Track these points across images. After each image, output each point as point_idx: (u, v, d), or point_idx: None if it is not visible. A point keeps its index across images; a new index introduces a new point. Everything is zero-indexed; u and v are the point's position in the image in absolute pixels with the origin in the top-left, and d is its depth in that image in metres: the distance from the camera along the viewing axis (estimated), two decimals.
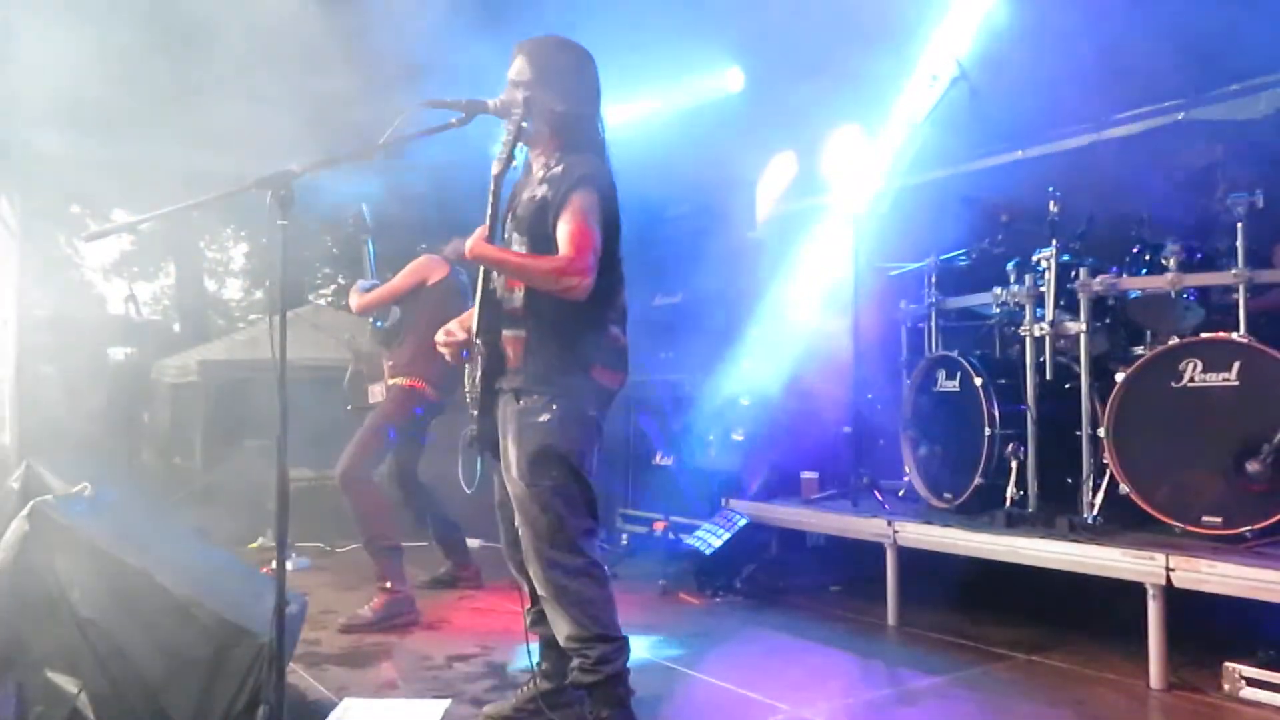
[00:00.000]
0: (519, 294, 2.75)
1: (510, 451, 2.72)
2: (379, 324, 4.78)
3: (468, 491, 2.96)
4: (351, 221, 4.83)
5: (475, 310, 2.80)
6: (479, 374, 2.79)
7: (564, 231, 2.65)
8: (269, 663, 2.44)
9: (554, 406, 2.69)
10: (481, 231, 2.64)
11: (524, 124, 2.63)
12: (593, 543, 2.77)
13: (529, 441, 2.68)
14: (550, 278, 2.63)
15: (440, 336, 2.91)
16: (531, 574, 2.73)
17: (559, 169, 2.68)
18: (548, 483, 2.67)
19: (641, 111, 6.09)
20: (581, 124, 2.79)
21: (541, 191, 2.72)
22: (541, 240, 2.69)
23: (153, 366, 8.30)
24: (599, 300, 2.71)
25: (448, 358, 2.90)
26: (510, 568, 3.01)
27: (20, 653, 2.52)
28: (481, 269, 2.77)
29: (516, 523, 2.75)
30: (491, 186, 2.63)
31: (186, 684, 2.54)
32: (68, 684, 2.51)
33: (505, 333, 2.76)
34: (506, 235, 2.87)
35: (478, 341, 2.76)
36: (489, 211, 2.64)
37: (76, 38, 5.00)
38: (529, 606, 3.00)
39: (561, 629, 2.69)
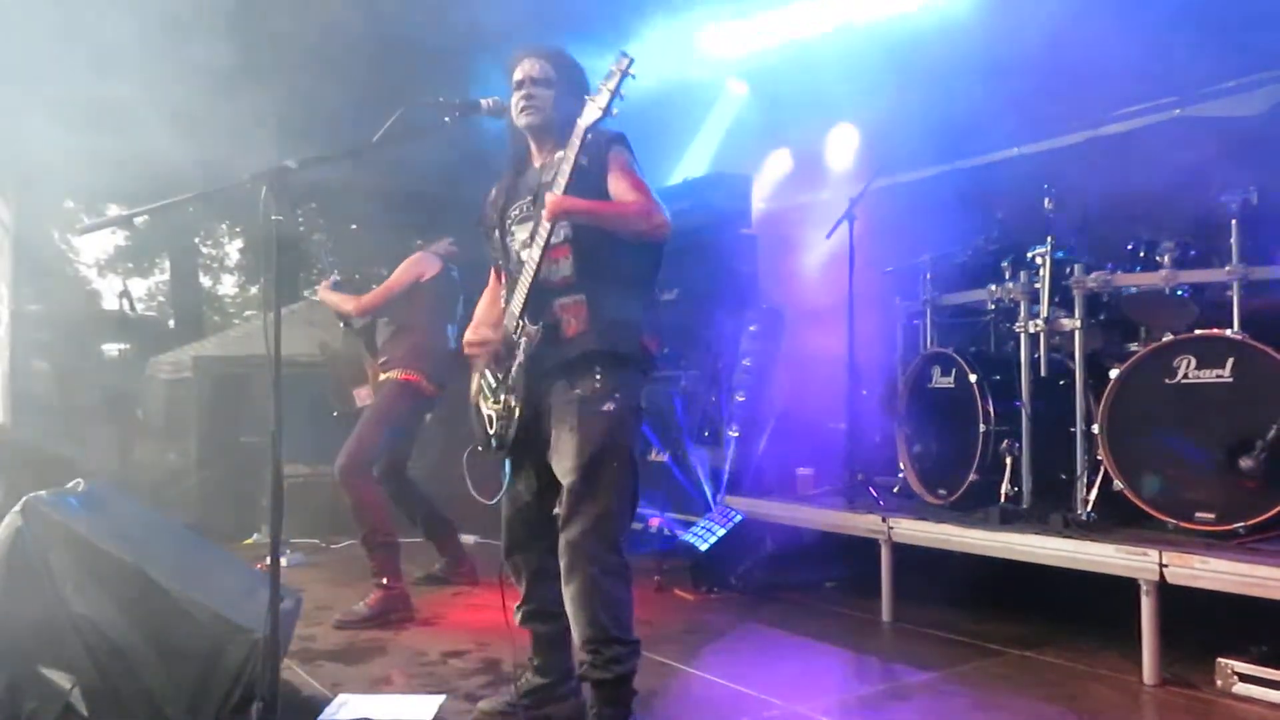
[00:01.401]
0: (566, 263, 2.73)
1: (566, 441, 2.68)
2: (353, 324, 4.73)
3: (488, 503, 2.93)
4: (315, 248, 4.74)
5: (514, 300, 2.73)
6: (519, 363, 2.72)
7: (624, 184, 2.71)
8: (263, 658, 2.43)
9: (616, 396, 2.69)
10: (557, 191, 2.59)
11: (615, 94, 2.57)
12: (624, 543, 2.76)
13: (593, 431, 2.66)
14: (642, 218, 2.66)
15: (469, 336, 2.89)
16: (564, 567, 2.67)
17: (588, 138, 2.64)
18: (610, 475, 2.67)
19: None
20: None
21: (568, 167, 2.68)
22: None
23: (147, 363, 8.29)
24: (651, 258, 2.80)
25: (482, 359, 2.85)
26: (507, 568, 2.99)
27: (13, 649, 2.52)
28: (523, 260, 2.73)
29: (558, 510, 2.70)
30: (578, 141, 2.60)
31: (181, 679, 2.54)
32: (61, 680, 2.51)
33: (561, 301, 2.73)
34: (517, 221, 2.86)
35: (523, 322, 2.71)
36: (568, 170, 2.61)
37: (71, 31, 4.98)
38: (520, 604, 3.00)
39: (581, 630, 2.67)
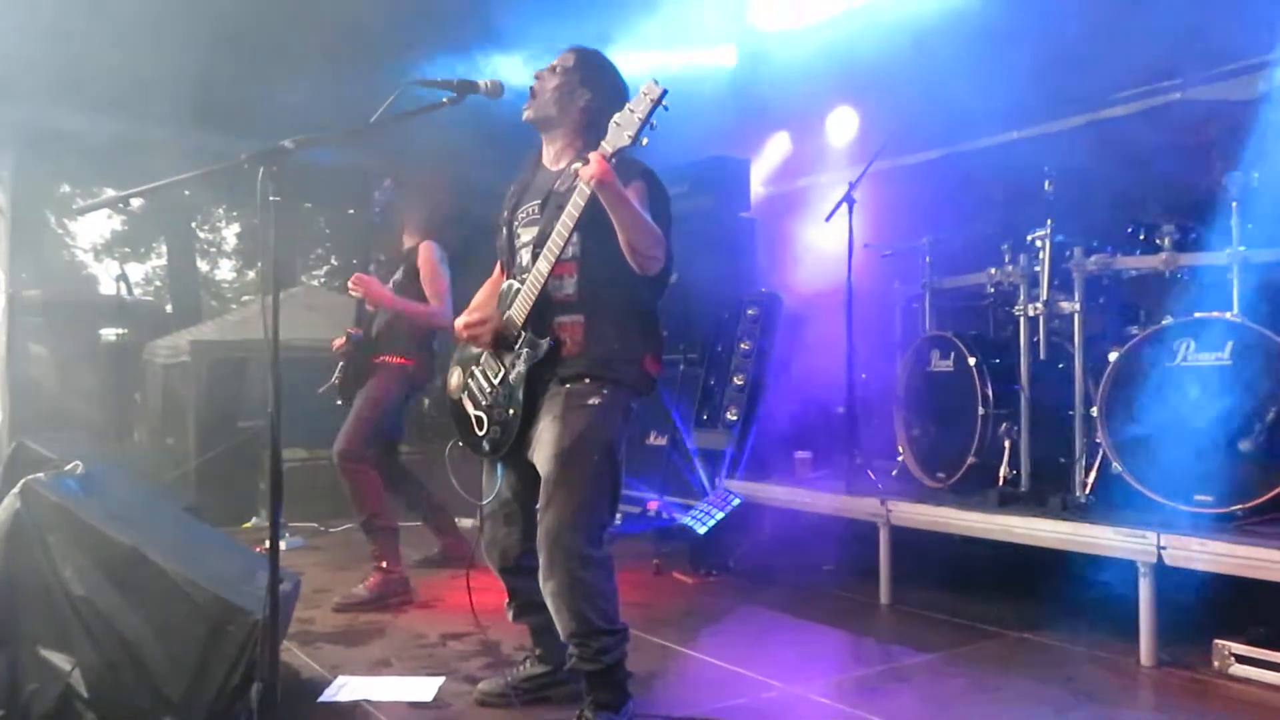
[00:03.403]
0: (570, 281, 2.70)
1: (549, 430, 2.66)
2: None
3: (482, 504, 2.91)
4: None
5: (516, 308, 2.70)
6: (519, 373, 2.69)
7: None
8: (263, 640, 2.44)
9: (604, 392, 2.68)
10: (601, 156, 2.47)
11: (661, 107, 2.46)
12: (607, 536, 2.74)
13: (576, 422, 2.64)
14: (654, 240, 2.61)
15: (468, 318, 2.80)
16: (543, 561, 2.65)
17: (612, 162, 2.55)
18: (588, 466, 2.64)
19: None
20: (604, 125, 2.72)
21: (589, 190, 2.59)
22: (593, 226, 2.59)
23: (144, 347, 8.26)
24: (654, 289, 2.78)
25: (485, 340, 2.78)
26: (492, 567, 2.98)
27: (13, 630, 2.52)
28: (529, 266, 2.69)
29: (539, 505, 2.68)
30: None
31: (180, 661, 2.54)
32: (61, 661, 2.51)
33: (561, 319, 2.70)
34: (524, 224, 2.82)
35: (526, 333, 2.68)
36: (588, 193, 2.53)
37: (67, 14, 4.95)
38: (508, 601, 3.00)
39: (565, 624, 2.65)
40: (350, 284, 4.40)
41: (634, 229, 2.57)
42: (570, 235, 2.59)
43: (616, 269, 2.65)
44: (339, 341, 4.56)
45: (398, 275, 4.56)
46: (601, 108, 2.73)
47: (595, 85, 2.78)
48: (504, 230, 2.92)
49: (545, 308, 2.69)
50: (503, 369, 2.75)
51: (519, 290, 2.71)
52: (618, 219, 2.55)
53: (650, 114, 2.46)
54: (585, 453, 2.64)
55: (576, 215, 2.56)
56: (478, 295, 3.08)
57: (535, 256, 2.68)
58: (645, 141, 2.49)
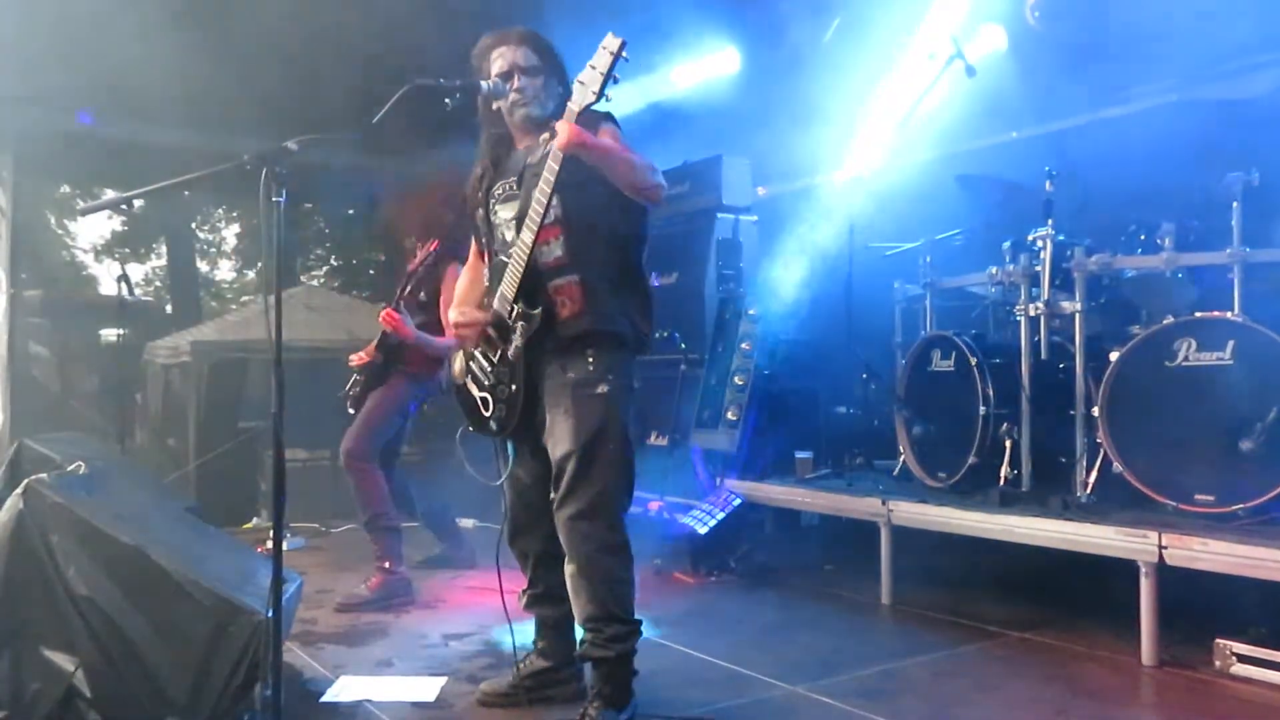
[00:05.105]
0: (557, 244, 2.72)
1: (560, 424, 2.69)
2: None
3: (497, 484, 2.92)
4: None
5: (506, 283, 2.71)
6: (516, 347, 2.71)
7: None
8: (266, 640, 2.44)
9: (609, 378, 2.70)
10: (568, 122, 2.51)
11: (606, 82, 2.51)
12: (625, 521, 2.77)
13: (587, 414, 2.67)
14: (647, 170, 2.64)
15: (458, 317, 2.83)
16: (564, 543, 2.70)
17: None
18: (606, 457, 2.67)
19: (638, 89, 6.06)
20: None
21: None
22: (571, 187, 2.62)
23: (145, 347, 8.26)
24: (636, 241, 2.82)
25: (471, 340, 2.83)
26: (512, 554, 3.00)
27: (16, 631, 2.52)
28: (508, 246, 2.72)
29: (554, 495, 2.71)
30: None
31: (183, 661, 2.54)
32: (64, 662, 2.51)
33: (555, 282, 2.72)
34: (501, 201, 2.85)
35: (519, 306, 2.69)
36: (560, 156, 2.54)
37: (68, 15, 4.96)
38: (525, 588, 3.02)
39: (582, 607, 2.69)
40: (382, 319, 4.29)
41: (627, 170, 2.62)
42: (550, 200, 2.61)
43: (601, 227, 2.72)
44: (360, 359, 4.51)
45: (422, 295, 4.43)
46: (566, 91, 2.79)
47: (560, 73, 2.85)
48: (480, 211, 2.94)
49: (536, 276, 2.70)
50: (501, 347, 2.77)
51: (507, 266, 2.73)
52: (609, 169, 2.60)
53: (612, 68, 2.50)
54: (602, 444, 2.67)
55: (552, 180, 2.58)
56: (460, 284, 3.12)
57: (520, 230, 2.69)
58: (611, 97, 2.53)
